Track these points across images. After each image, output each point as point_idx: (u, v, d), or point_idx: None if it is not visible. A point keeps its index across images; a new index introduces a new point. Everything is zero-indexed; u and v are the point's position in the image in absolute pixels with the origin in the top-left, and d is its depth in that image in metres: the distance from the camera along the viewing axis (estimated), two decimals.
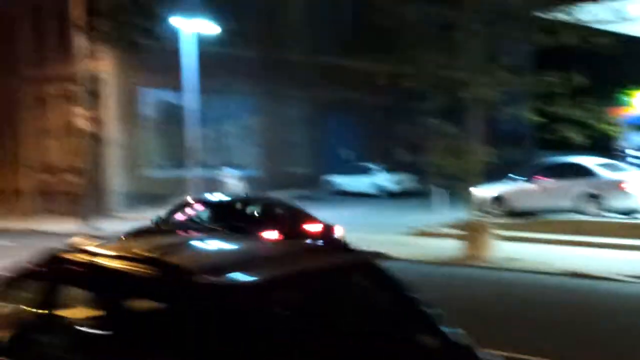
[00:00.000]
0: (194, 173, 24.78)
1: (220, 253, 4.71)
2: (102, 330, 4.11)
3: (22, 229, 25.08)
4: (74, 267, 4.49)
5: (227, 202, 14.54)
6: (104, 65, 26.76)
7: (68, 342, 4.42)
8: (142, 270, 4.04)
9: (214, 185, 26.36)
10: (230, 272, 3.94)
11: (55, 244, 18.79)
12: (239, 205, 14.19)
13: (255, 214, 13.84)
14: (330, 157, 33.76)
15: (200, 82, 24.74)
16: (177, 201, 26.38)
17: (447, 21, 15.62)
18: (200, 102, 25.61)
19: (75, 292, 4.51)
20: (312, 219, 13.54)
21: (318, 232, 13.05)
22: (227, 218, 12.96)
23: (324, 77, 32.64)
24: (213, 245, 4.85)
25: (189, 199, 15.53)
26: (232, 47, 27.70)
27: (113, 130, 27.22)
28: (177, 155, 28.53)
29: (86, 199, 24.86)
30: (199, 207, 13.93)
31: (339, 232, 13.47)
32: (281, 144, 32.95)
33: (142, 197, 27.43)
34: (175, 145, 28.68)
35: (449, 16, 15.35)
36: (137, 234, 12.84)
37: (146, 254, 4.24)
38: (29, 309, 4.88)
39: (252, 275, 3.92)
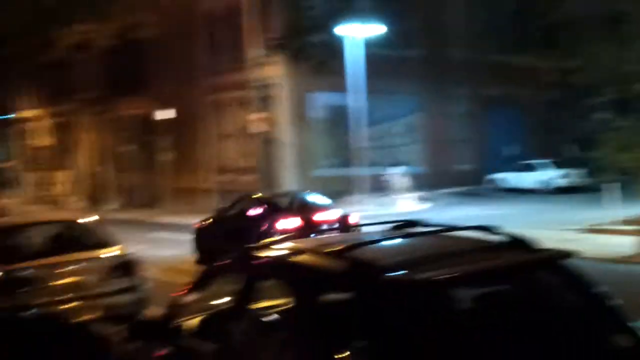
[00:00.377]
0: (360, 172, 25.58)
1: (405, 249, 4.68)
2: (289, 321, 4.37)
3: None
4: (264, 261, 4.74)
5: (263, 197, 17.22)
6: (275, 72, 28.17)
7: (256, 331, 4.72)
8: (332, 265, 4.15)
9: (380, 182, 27.18)
10: (418, 268, 3.96)
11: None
12: (269, 199, 16.74)
13: (281, 205, 16.17)
14: (494, 153, 33.69)
15: (365, 83, 25.53)
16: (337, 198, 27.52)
17: (615, 13, 15.46)
18: (365, 103, 26.45)
19: (265, 284, 4.77)
20: (330, 208, 16.03)
21: (335, 220, 15.24)
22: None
23: (487, 74, 32.68)
24: (395, 242, 4.83)
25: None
26: (396, 47, 28.34)
27: (284, 132, 28.59)
28: (344, 155, 29.58)
29: None
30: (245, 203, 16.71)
31: (353, 219, 15.60)
32: (445, 141, 33.26)
33: None
34: (342, 145, 29.72)
35: (617, 8, 15.20)
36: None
37: (335, 249, 4.29)
38: (221, 299, 5.41)
39: (441, 272, 3.90)
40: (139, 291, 10.02)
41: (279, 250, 4.75)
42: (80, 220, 11.25)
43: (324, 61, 24.11)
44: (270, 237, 7.93)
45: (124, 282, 9.83)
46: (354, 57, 25.30)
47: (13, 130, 52.11)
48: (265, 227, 14.60)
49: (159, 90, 35.62)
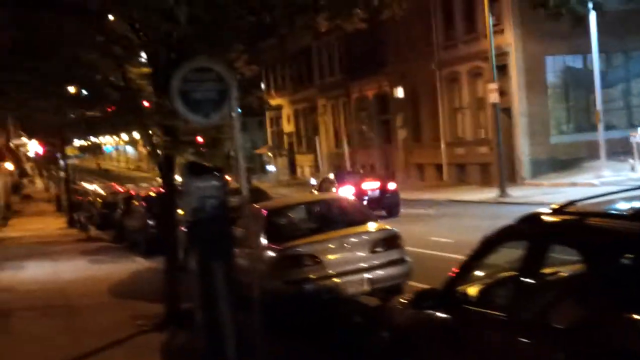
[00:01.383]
0: (601, 136, 24.88)
1: None
2: (587, 286, 4.41)
3: (442, 199, 27.60)
4: (557, 226, 4.78)
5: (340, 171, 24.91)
6: (509, 39, 28.13)
7: (548, 297, 4.77)
8: (633, 228, 4.25)
9: (623, 145, 26.21)
10: None
11: (468, 211, 20.76)
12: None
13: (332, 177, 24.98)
14: None
15: (604, 43, 24.75)
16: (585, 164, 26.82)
17: None
18: (604, 63, 25.64)
19: (555, 249, 4.79)
20: (374, 178, 25.02)
21: (377, 188, 23.28)
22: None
23: None
24: None
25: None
26: (632, 2, 27.10)
27: (520, 100, 28.47)
28: (581, 120, 28.89)
29: (497, 169, 26.34)
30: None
31: (392, 186, 23.63)
32: None
33: (548, 164, 28.32)
34: (578, 109, 29.03)
35: None
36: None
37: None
38: (506, 267, 5.49)
39: None
40: (404, 264, 10.34)
41: (566, 214, 4.78)
42: (346, 198, 12.26)
43: (580, 16, 23.56)
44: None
45: (390, 255, 10.18)
46: (593, 17, 24.52)
47: (265, 118, 55.99)
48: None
49: (394, 69, 36.81)
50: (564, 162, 28.15)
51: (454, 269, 5.59)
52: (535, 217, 4.92)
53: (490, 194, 25.70)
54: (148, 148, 11.30)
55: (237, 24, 10.34)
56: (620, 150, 26.32)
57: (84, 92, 14.47)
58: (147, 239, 21.15)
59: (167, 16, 9.07)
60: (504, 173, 25.24)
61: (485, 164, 30.40)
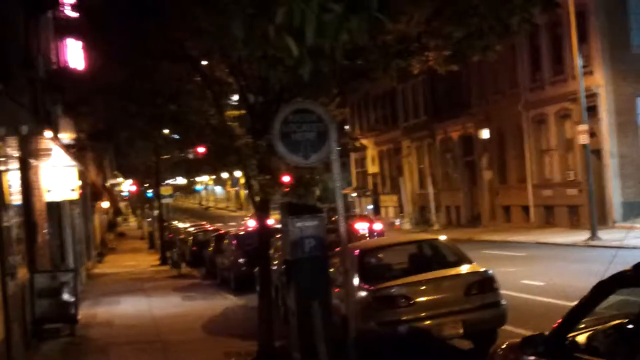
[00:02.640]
0: None
1: None
2: None
3: (530, 241, 27.16)
4: None
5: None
6: (598, 80, 27.74)
7: None
8: None
9: None
10: None
11: (558, 254, 20.36)
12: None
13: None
14: None
15: None
16: None
17: None
18: None
19: None
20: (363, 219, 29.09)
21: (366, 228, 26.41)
22: None
23: None
24: None
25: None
26: None
27: (608, 141, 27.94)
28: None
29: (586, 211, 25.75)
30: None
31: (378, 227, 27.92)
32: None
33: None
34: None
35: None
36: None
37: None
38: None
39: None
40: (499, 307, 10.19)
41: None
42: (439, 240, 12.12)
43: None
44: None
45: (485, 299, 10.07)
46: None
47: (348, 160, 56.32)
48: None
49: (479, 110, 36.67)
50: None
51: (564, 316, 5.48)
52: None
53: (580, 236, 25.16)
54: (246, 188, 11.61)
55: (333, 68, 10.63)
56: None
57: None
58: (237, 276, 21.56)
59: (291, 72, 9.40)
60: (594, 215, 24.70)
61: (574, 206, 29.83)
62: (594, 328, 5.51)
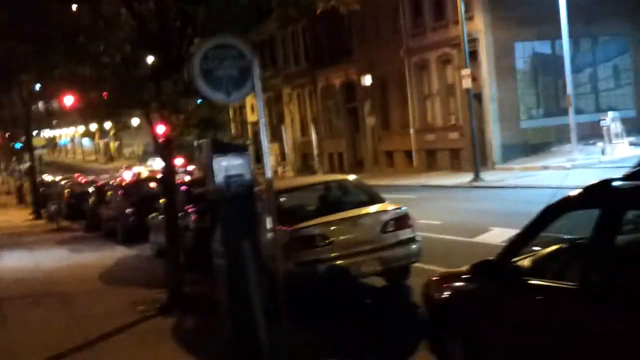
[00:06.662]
0: (572, 120, 25.27)
1: None
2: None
3: (415, 184, 27.69)
4: (630, 192, 4.77)
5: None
6: (478, 25, 28.38)
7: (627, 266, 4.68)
8: None
9: (588, 130, 26.69)
10: None
11: (446, 194, 20.83)
12: None
13: None
14: None
15: (571, 28, 25.10)
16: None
17: None
18: (572, 48, 26.02)
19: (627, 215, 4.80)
20: None
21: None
22: None
23: None
24: None
25: None
26: None
27: (489, 85, 28.78)
28: (550, 104, 29.30)
29: (468, 154, 26.54)
30: None
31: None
32: None
33: (518, 148, 28.71)
34: (547, 94, 29.43)
35: None
36: None
37: None
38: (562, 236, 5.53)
39: None
40: (415, 243, 10.27)
41: None
42: (350, 179, 12.04)
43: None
44: None
45: (401, 235, 10.13)
46: (557, 2, 24.86)
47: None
48: None
49: (361, 57, 36.85)
50: (534, 147, 28.61)
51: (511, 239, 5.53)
52: (607, 184, 4.90)
53: (463, 179, 25.93)
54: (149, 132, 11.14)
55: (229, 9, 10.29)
56: (589, 134, 26.79)
57: None
58: (125, 228, 21.02)
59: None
60: (477, 157, 25.49)
61: (456, 149, 30.69)
62: (536, 253, 5.61)
